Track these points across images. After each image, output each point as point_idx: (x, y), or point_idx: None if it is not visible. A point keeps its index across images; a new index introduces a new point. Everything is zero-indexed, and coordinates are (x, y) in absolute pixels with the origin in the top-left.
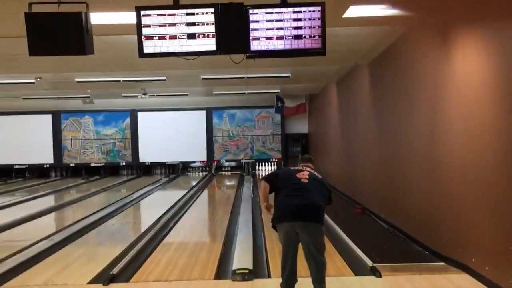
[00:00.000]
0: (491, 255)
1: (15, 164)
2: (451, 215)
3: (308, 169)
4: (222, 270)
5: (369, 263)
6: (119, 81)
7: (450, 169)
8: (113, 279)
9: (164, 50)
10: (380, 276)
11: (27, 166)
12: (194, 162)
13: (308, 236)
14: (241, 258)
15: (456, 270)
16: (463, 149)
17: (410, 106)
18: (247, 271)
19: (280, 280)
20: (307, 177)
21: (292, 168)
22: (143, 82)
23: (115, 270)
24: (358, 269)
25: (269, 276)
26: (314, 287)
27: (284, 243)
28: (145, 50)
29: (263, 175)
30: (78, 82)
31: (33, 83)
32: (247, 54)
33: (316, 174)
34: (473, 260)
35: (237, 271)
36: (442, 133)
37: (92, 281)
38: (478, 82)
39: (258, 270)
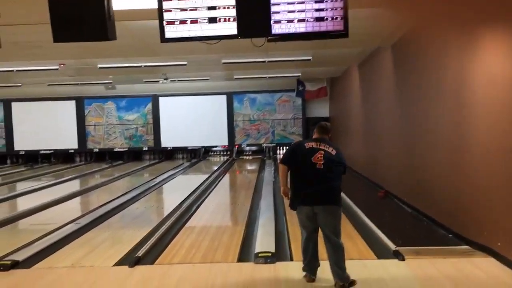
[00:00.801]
0: None
1: (41, 150)
2: (476, 199)
3: (322, 146)
4: (245, 253)
5: (392, 246)
6: (140, 66)
7: (474, 153)
8: (138, 261)
9: (186, 34)
10: (403, 259)
11: (52, 151)
12: (216, 146)
13: (325, 218)
14: (264, 242)
15: (481, 254)
16: (488, 133)
17: (434, 90)
18: (270, 254)
19: (302, 264)
20: (322, 161)
21: (307, 145)
22: (164, 67)
23: (140, 253)
24: (381, 252)
25: (291, 259)
26: (334, 272)
27: (304, 225)
28: (167, 35)
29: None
30: (100, 68)
31: (57, 69)
32: (268, 38)
33: (331, 150)
34: (499, 244)
35: (260, 254)
36: (466, 118)
37: (117, 263)
38: (505, 67)
39: (280, 253)
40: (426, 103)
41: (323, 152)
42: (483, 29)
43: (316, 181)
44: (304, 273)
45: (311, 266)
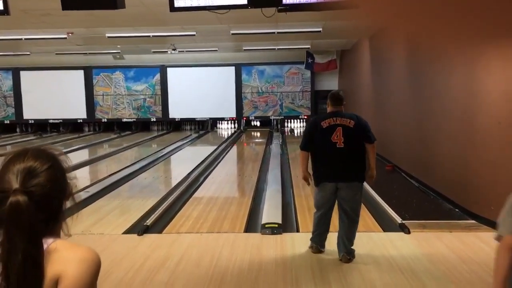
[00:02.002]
0: None
1: (50, 119)
2: (483, 174)
3: (339, 120)
4: (252, 224)
5: (398, 220)
6: (149, 36)
7: (484, 129)
8: (147, 230)
9: (195, 3)
10: (408, 232)
11: (61, 120)
12: (223, 118)
13: (346, 194)
14: (270, 213)
15: (487, 228)
16: (499, 109)
17: (447, 64)
18: (276, 225)
19: (308, 235)
20: (342, 139)
21: (324, 124)
22: (172, 37)
23: (148, 222)
24: (387, 225)
25: (297, 231)
26: (342, 244)
27: (323, 202)
28: (176, 4)
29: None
30: (109, 37)
31: (65, 38)
32: (279, 8)
33: (349, 123)
34: None
35: (266, 225)
36: (478, 93)
37: (126, 232)
38: None
39: (287, 225)
40: (437, 77)
41: (341, 128)
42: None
43: (339, 161)
44: (311, 243)
45: (321, 238)
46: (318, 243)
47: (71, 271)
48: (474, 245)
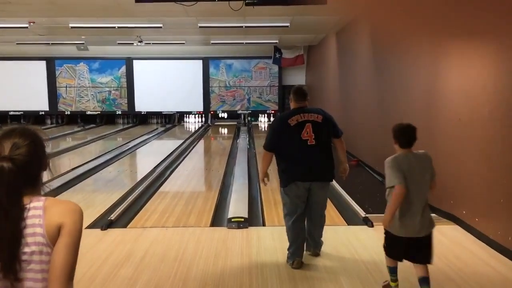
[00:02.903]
0: (482, 207)
1: (10, 111)
2: (444, 169)
3: (307, 116)
4: (218, 219)
5: (362, 213)
6: (114, 27)
7: (445, 125)
8: (111, 224)
9: None
10: (372, 225)
11: (22, 112)
12: (191, 112)
13: (318, 195)
14: (237, 207)
15: (446, 221)
16: (459, 106)
17: (411, 61)
18: (242, 219)
19: (275, 229)
20: (313, 135)
21: (291, 121)
22: (138, 29)
23: (112, 216)
24: (351, 219)
25: (263, 225)
26: (312, 243)
27: (295, 205)
28: None
29: (260, 126)
30: (72, 27)
31: (27, 27)
32: (246, 1)
33: (317, 118)
34: (464, 211)
35: (233, 219)
36: (440, 90)
37: (90, 226)
38: (477, 44)
39: (253, 219)
40: (401, 74)
41: (310, 124)
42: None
43: (312, 159)
44: (291, 259)
45: (301, 250)
46: (299, 256)
47: (69, 219)
48: (434, 238)
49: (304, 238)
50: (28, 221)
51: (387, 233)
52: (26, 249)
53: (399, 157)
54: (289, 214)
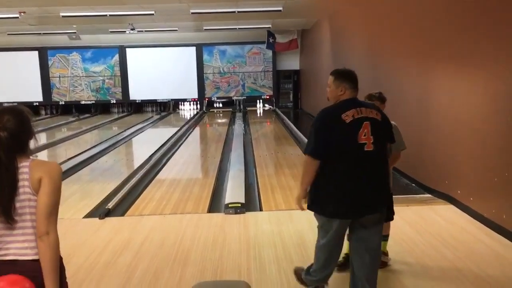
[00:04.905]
0: (476, 186)
1: (4, 102)
2: (439, 150)
3: (365, 112)
4: (215, 205)
5: None
6: (106, 15)
7: (440, 107)
8: (109, 213)
9: None
10: None
11: (16, 103)
12: (185, 99)
13: (371, 232)
14: (234, 193)
15: (442, 201)
16: (453, 90)
17: (404, 43)
18: (239, 205)
19: (272, 214)
20: (371, 138)
21: (345, 117)
22: (130, 16)
23: (110, 205)
24: None
25: (260, 210)
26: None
27: (330, 243)
28: None
29: (257, 112)
30: (63, 16)
31: (17, 17)
32: None
33: (376, 116)
34: (459, 191)
35: (230, 205)
36: (435, 74)
37: (88, 216)
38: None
39: (250, 204)
40: (395, 58)
41: (369, 123)
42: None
43: (366, 172)
44: (312, 286)
45: (329, 275)
46: (325, 282)
47: (48, 173)
48: (430, 218)
49: (336, 264)
50: (19, 177)
51: None
52: (19, 198)
53: None
54: (326, 245)
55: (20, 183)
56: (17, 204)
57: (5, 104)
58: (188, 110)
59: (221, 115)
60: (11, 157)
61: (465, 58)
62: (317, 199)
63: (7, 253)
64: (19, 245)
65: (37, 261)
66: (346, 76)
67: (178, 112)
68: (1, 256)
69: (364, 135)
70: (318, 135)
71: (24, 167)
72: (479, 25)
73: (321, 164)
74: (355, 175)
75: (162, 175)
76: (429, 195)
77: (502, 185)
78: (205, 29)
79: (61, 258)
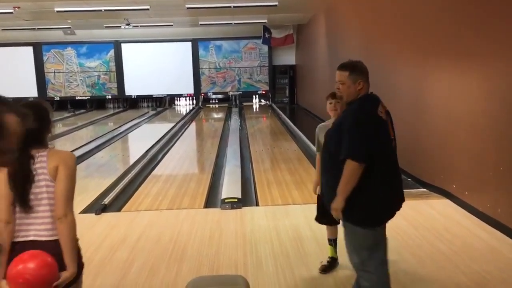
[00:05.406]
0: (471, 181)
1: None
2: (434, 145)
3: (384, 107)
4: (211, 200)
5: None
6: (100, 10)
7: (435, 101)
8: (105, 209)
9: None
10: None
11: (10, 100)
12: (181, 95)
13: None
14: (230, 188)
15: (437, 196)
16: (449, 85)
17: (399, 38)
18: (236, 200)
19: (268, 208)
20: (392, 132)
21: (381, 114)
22: (125, 11)
23: (106, 201)
24: None
25: (257, 204)
26: None
27: (384, 253)
28: None
29: (253, 107)
30: (58, 11)
31: (11, 13)
32: None
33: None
34: (454, 186)
35: (226, 200)
36: (430, 70)
37: (84, 211)
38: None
39: (246, 199)
40: (390, 54)
41: (390, 119)
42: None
43: (399, 169)
44: None
45: None
46: None
47: (63, 161)
48: (425, 212)
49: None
50: (37, 166)
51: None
52: (38, 185)
53: None
54: (382, 264)
55: (39, 171)
56: (36, 190)
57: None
58: (184, 106)
59: (217, 110)
60: (25, 151)
61: (461, 53)
62: (372, 210)
63: (27, 235)
64: (38, 227)
65: (55, 241)
66: (362, 69)
67: (174, 108)
68: (22, 237)
69: (391, 130)
70: (365, 135)
71: (42, 157)
72: (475, 20)
73: (366, 168)
74: (396, 171)
75: (158, 170)
76: (425, 190)
77: (497, 179)
78: (201, 24)
79: (77, 239)
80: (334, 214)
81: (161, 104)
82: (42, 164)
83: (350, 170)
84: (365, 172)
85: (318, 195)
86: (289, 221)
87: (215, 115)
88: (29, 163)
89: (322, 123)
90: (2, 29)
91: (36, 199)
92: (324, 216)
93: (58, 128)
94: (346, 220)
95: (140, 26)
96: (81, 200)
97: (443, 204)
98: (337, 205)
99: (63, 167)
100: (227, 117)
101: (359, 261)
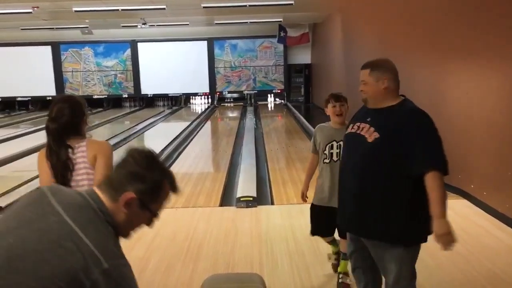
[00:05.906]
0: (490, 181)
1: (18, 97)
2: (451, 144)
3: None
4: (227, 198)
5: None
6: (118, 10)
7: (452, 100)
8: None
9: None
10: None
11: (29, 98)
12: (197, 93)
13: None
14: (245, 187)
15: (454, 195)
16: (466, 84)
17: (417, 37)
18: (251, 199)
19: (283, 207)
20: None
21: None
22: (142, 11)
23: None
24: None
25: (272, 203)
26: None
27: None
28: None
29: (268, 106)
30: (76, 11)
31: (30, 12)
32: None
33: None
34: (472, 186)
35: (241, 199)
36: (448, 68)
37: None
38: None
39: (261, 198)
40: (407, 52)
41: None
42: None
43: None
44: None
45: None
46: None
47: (101, 151)
48: None
49: None
50: (78, 155)
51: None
52: (79, 173)
53: None
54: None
55: (79, 160)
56: (78, 178)
57: (19, 99)
58: (199, 104)
59: (232, 109)
60: (60, 143)
61: (479, 51)
62: (428, 225)
63: None
64: None
65: None
66: (387, 67)
67: (190, 106)
68: None
69: None
70: (441, 142)
71: (82, 146)
72: (496, 18)
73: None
74: None
75: (173, 169)
76: None
77: None
78: (216, 23)
79: None
80: (445, 241)
81: (176, 102)
82: (82, 153)
83: (442, 184)
84: (418, 183)
85: (312, 204)
86: (304, 220)
87: (230, 114)
88: (67, 155)
89: (322, 124)
90: (21, 29)
91: (77, 186)
92: (326, 227)
93: None
94: (398, 242)
95: (156, 25)
96: None
97: (461, 204)
98: (445, 230)
99: (101, 156)
100: (242, 116)
101: (408, 282)
